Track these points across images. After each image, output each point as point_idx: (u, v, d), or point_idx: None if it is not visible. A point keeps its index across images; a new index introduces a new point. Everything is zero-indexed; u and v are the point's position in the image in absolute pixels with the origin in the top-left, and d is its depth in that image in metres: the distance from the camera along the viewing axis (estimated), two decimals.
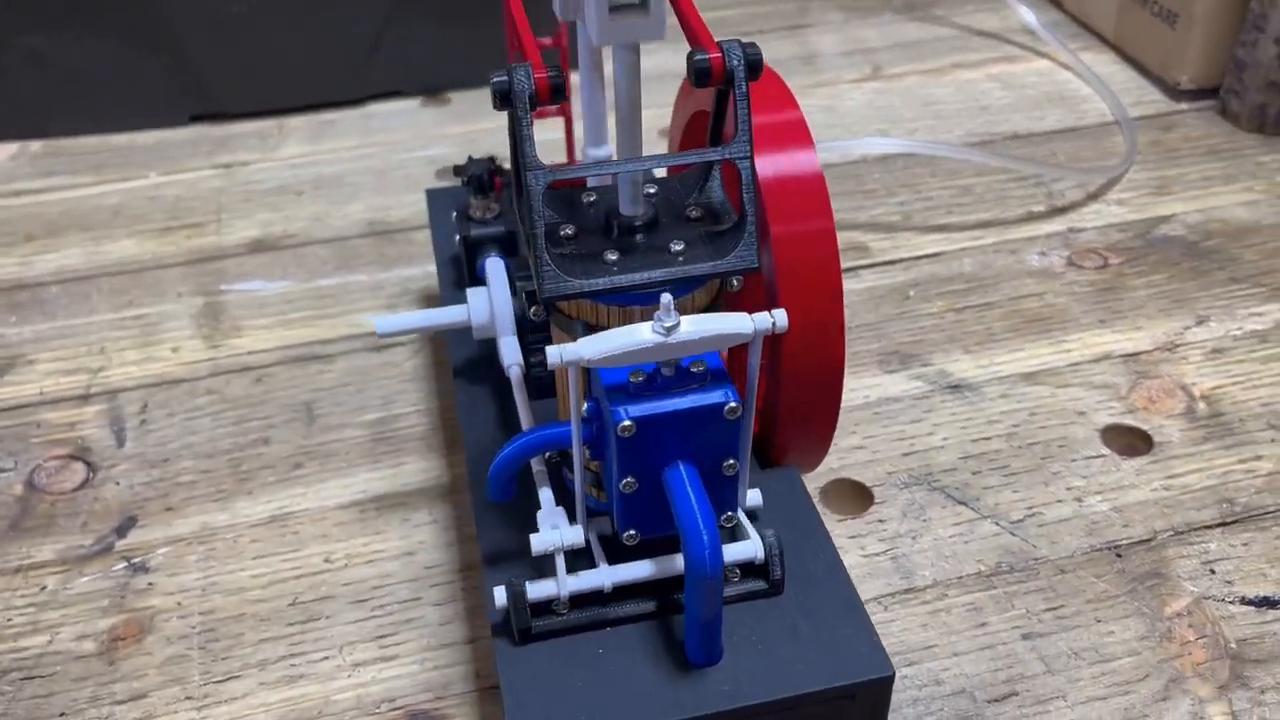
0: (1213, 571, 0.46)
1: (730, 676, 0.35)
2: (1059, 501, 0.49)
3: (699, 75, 0.33)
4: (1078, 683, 0.42)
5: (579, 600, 0.37)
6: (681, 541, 0.33)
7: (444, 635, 0.45)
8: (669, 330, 0.32)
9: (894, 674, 0.35)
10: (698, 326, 0.32)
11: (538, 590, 0.36)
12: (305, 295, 0.63)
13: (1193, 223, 0.67)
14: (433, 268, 0.65)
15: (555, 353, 0.32)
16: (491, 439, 0.44)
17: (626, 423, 0.33)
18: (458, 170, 0.51)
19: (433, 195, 0.59)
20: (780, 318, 0.33)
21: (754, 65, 0.33)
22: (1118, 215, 0.68)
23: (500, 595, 0.36)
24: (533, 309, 0.37)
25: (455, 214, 0.52)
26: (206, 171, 0.75)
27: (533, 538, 0.36)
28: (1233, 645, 0.43)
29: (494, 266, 0.45)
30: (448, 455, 0.53)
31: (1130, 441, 0.52)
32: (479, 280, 0.51)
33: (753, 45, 0.33)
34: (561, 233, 0.35)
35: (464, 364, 0.48)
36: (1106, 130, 0.76)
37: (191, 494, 0.51)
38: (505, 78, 0.32)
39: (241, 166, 0.75)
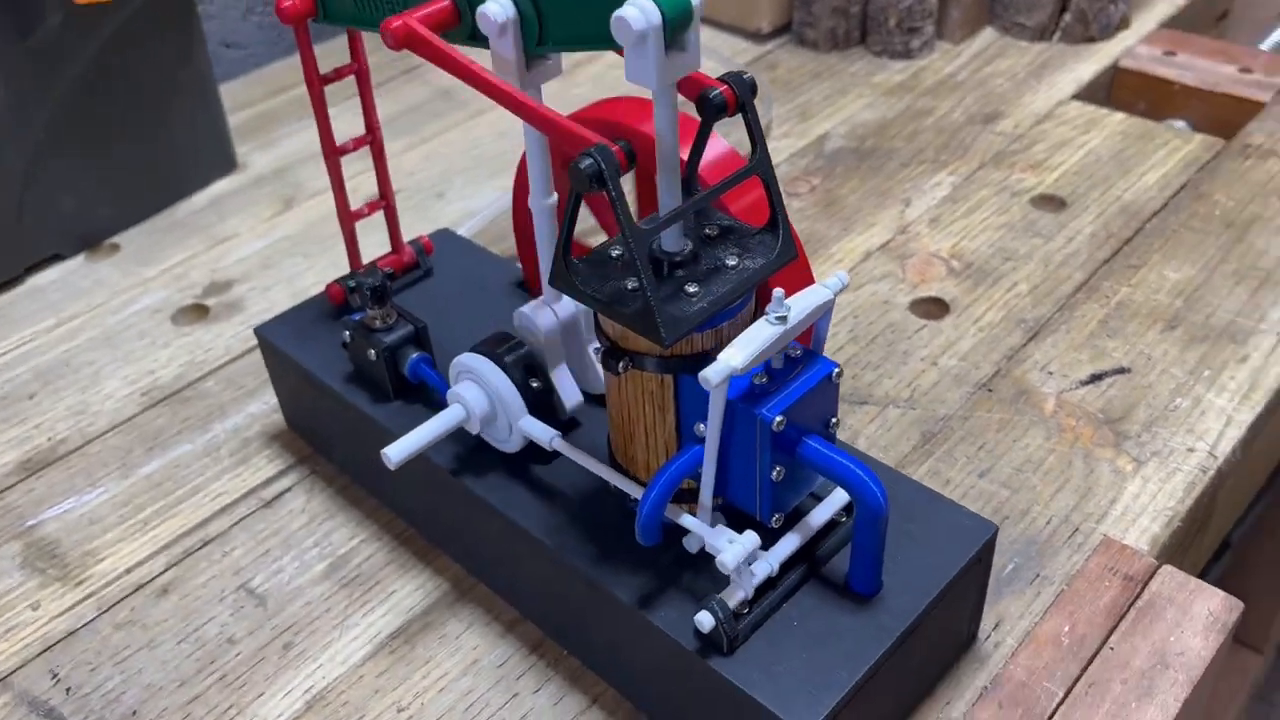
0: (1050, 373, 0.59)
1: (898, 589, 0.41)
2: (923, 371, 0.60)
3: (718, 109, 0.37)
4: (1035, 489, 0.53)
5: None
6: (853, 494, 0.38)
7: (567, 710, 0.45)
8: (784, 318, 0.37)
9: (997, 527, 0.43)
10: (800, 306, 0.37)
11: (732, 601, 0.39)
12: (138, 490, 0.57)
13: (844, 133, 0.81)
14: (256, 408, 0.61)
15: (715, 372, 0.35)
16: (537, 509, 0.45)
17: (779, 419, 0.37)
18: (351, 288, 0.50)
19: (266, 329, 0.56)
20: (844, 276, 0.39)
21: (754, 88, 0.38)
22: (792, 146, 0.80)
23: (708, 619, 0.38)
24: (621, 363, 0.39)
25: (349, 333, 0.50)
26: None
27: (724, 557, 0.38)
28: (1099, 415, 0.57)
29: (475, 361, 0.45)
30: (429, 564, 0.52)
31: (931, 308, 0.65)
32: (409, 385, 0.50)
33: (746, 72, 0.38)
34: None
35: (452, 463, 0.48)
36: None
37: None
38: (593, 160, 0.34)
39: None
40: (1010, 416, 0.57)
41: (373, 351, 0.49)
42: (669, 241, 0.39)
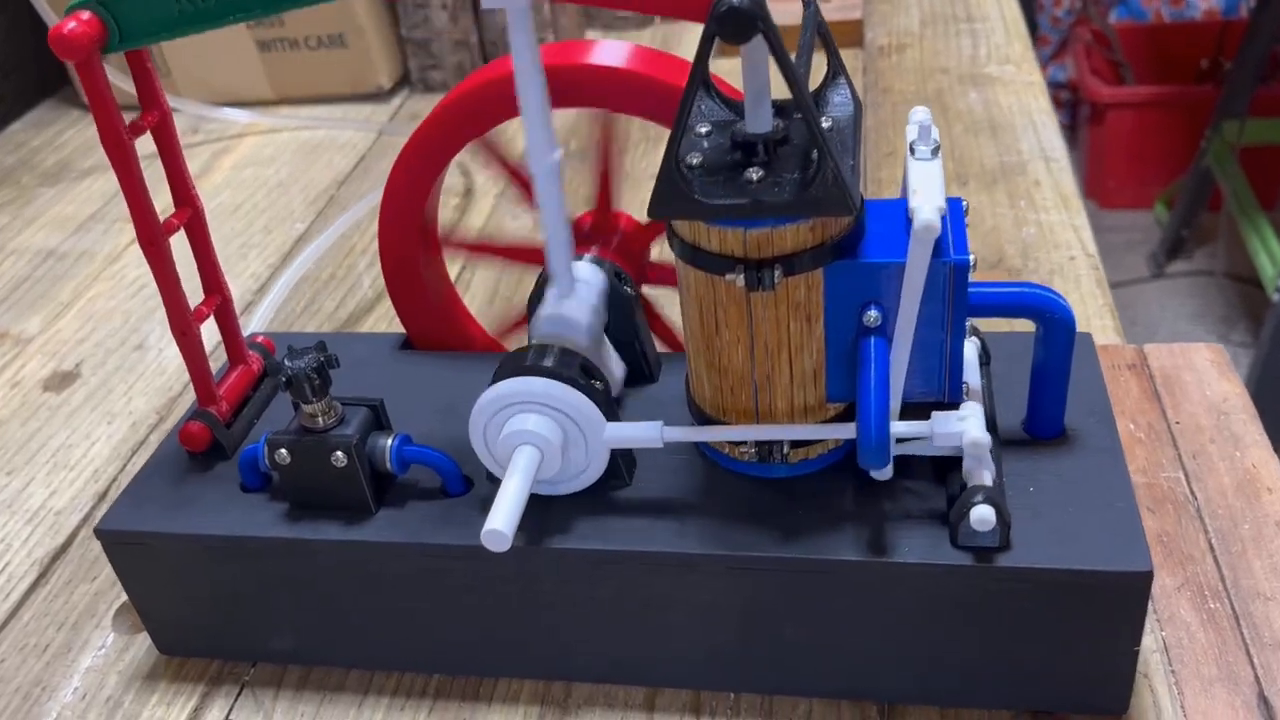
0: None
1: (1075, 421, 0.38)
2: None
3: None
4: None
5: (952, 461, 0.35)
6: (1041, 317, 0.35)
7: None
8: (937, 150, 0.33)
9: (1090, 334, 0.42)
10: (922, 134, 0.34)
11: (989, 483, 0.33)
12: None
13: None
14: (89, 660, 0.43)
15: (932, 214, 0.30)
16: (672, 528, 0.36)
17: (971, 256, 0.33)
18: (286, 381, 0.35)
19: (111, 521, 0.39)
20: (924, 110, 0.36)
21: None
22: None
23: (988, 512, 0.32)
24: (776, 272, 0.32)
25: (285, 450, 0.36)
26: None
27: (974, 434, 0.33)
28: (986, 262, 0.58)
29: (524, 384, 0.34)
30: (493, 700, 0.39)
31: None
32: (384, 486, 0.38)
33: None
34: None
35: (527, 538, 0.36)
36: None
37: None
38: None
39: None
40: None
41: (340, 454, 0.36)
42: (758, 124, 0.33)
